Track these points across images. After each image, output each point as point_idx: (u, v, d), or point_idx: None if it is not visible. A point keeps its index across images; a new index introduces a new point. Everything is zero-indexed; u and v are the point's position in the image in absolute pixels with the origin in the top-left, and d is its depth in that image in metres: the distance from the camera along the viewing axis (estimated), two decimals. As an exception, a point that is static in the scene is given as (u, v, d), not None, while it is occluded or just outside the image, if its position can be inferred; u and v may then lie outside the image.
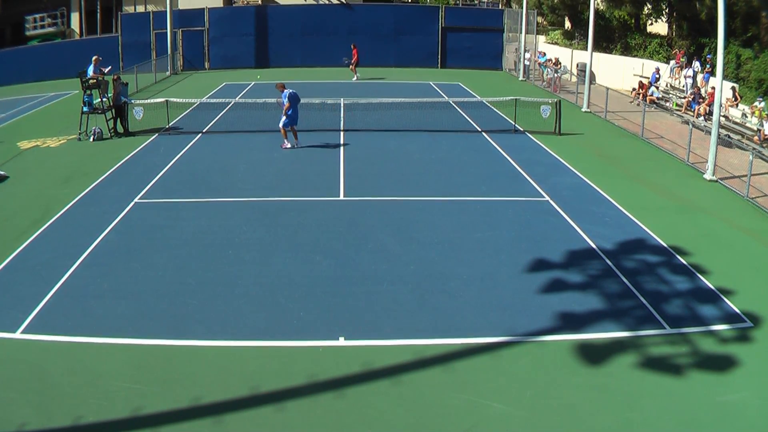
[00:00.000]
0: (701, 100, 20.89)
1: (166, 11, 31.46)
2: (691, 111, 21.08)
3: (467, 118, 20.36)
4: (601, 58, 27.81)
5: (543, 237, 10.92)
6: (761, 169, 15.01)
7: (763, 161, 15.67)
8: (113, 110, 18.54)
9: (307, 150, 16.54)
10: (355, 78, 28.79)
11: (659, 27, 32.52)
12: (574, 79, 27.99)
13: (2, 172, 14.48)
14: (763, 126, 17.66)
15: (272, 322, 8.15)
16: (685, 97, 22.29)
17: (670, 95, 23.94)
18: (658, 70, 25.33)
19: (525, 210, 12.28)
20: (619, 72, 28.07)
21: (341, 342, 7.70)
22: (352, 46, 29.33)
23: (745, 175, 13.67)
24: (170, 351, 7.50)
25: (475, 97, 24.05)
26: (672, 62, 25.66)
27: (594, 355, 7.46)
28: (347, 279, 9.33)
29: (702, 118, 19.66)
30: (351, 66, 29.11)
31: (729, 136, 17.46)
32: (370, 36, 33.98)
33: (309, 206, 12.37)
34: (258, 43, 31.18)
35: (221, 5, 35.80)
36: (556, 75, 27.23)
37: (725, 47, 15.01)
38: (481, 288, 9.07)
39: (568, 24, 35.90)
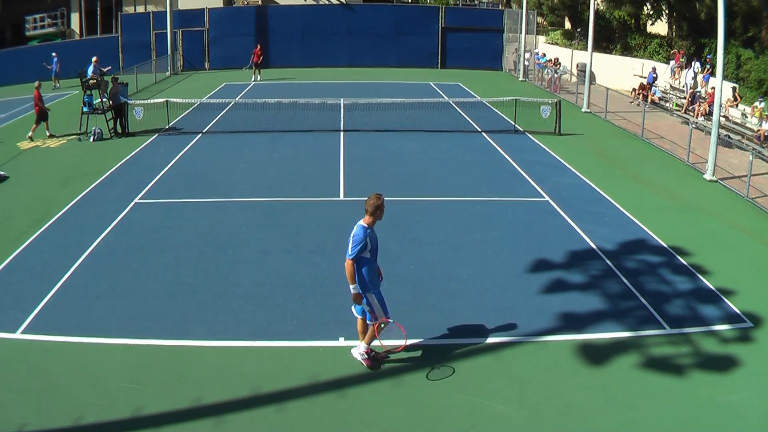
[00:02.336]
0: (701, 100, 20.88)
1: (166, 11, 31.48)
2: (691, 111, 21.08)
3: (467, 118, 20.37)
4: (601, 58, 27.82)
5: (543, 237, 10.92)
6: (761, 169, 15.01)
7: (763, 161, 15.68)
8: (113, 110, 18.55)
9: (307, 150, 16.55)
10: (256, 78, 28.82)
11: (659, 27, 32.52)
12: (574, 79, 28.00)
13: (2, 173, 14.48)
14: (762, 126, 17.66)
15: (272, 322, 8.14)
16: (685, 98, 22.29)
17: (670, 95, 23.95)
18: (654, 69, 25.33)
19: (525, 210, 12.28)
20: (619, 72, 28.08)
21: (341, 342, 7.69)
22: (258, 46, 29.57)
23: (745, 175, 13.67)
24: (170, 351, 7.49)
25: (475, 97, 24.07)
26: (672, 62, 25.66)
27: (594, 355, 7.46)
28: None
29: (702, 118, 19.66)
30: (252, 66, 29.15)
31: (729, 137, 17.46)
32: (370, 36, 34.04)
33: (309, 206, 12.37)
34: (258, 43, 31.16)
35: (221, 5, 35.83)
36: (555, 75, 27.23)
37: (725, 47, 15.01)
38: (481, 288, 9.06)
39: (568, 24, 35.91)
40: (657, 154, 16.86)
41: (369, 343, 7.09)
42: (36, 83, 18.60)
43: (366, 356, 7.11)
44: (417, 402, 6.60)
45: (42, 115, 18.09)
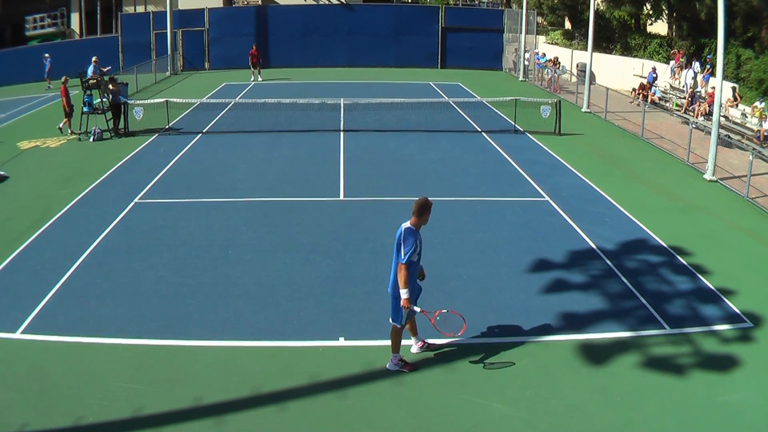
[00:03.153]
0: (701, 100, 20.88)
1: (166, 11, 31.49)
2: (691, 111, 21.09)
3: (467, 118, 20.36)
4: (601, 58, 27.82)
5: (543, 237, 10.92)
6: (761, 169, 15.01)
7: (763, 161, 15.67)
8: (112, 110, 18.56)
9: (307, 150, 16.55)
10: (256, 79, 28.80)
11: (659, 27, 32.53)
12: (574, 79, 28.00)
13: (2, 172, 14.48)
14: (762, 126, 17.66)
15: (272, 322, 8.14)
16: (684, 98, 22.30)
17: (670, 95, 23.95)
18: (654, 69, 25.34)
19: (525, 210, 12.28)
20: (619, 72, 28.08)
21: (341, 342, 7.69)
22: (253, 47, 29.57)
23: (745, 175, 13.67)
24: (170, 351, 7.49)
25: (475, 97, 24.07)
26: (672, 62, 25.67)
27: (594, 355, 7.46)
28: (347, 279, 9.33)
29: (702, 118, 19.66)
30: (251, 67, 29.15)
31: (729, 136, 17.46)
32: (370, 36, 34.03)
33: (309, 206, 12.37)
34: (258, 44, 31.24)
35: (221, 5, 35.83)
36: (555, 75, 27.23)
37: (725, 47, 15.00)
38: (481, 288, 9.07)
39: (568, 24, 35.91)
40: (657, 154, 16.85)
41: (397, 351, 7.06)
42: (63, 78, 18.75)
43: (402, 363, 7.08)
44: (417, 402, 6.60)
45: (68, 110, 18.30)
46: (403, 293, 6.57)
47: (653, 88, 24.24)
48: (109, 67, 23.86)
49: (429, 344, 7.44)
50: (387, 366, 7.10)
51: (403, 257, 6.52)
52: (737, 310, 8.48)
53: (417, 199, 6.83)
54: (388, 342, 7.17)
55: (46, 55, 28.22)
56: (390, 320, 6.98)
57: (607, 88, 22.49)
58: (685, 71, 23.50)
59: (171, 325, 8.04)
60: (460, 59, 33.99)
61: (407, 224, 6.73)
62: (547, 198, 12.87)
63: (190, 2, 33.03)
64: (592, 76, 23.91)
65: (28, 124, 20.60)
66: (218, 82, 28.62)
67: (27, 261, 9.89)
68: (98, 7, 35.88)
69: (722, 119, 17.65)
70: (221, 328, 7.96)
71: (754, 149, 15.26)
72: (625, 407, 6.54)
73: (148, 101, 19.79)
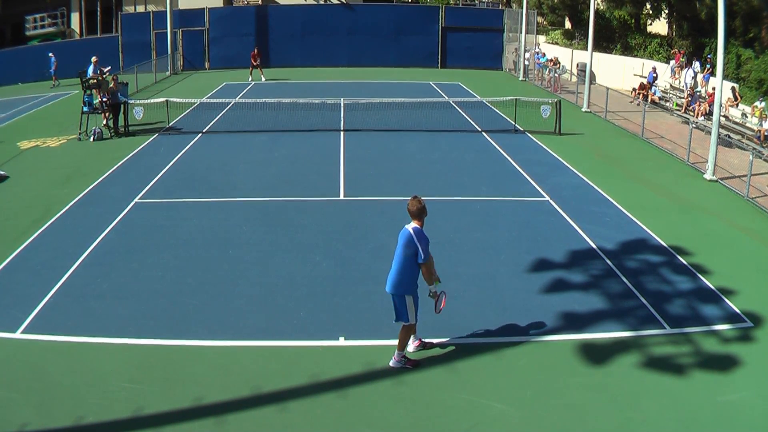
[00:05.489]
0: (701, 100, 20.88)
1: (166, 11, 31.49)
2: (691, 111, 21.08)
3: (467, 118, 20.37)
4: (601, 58, 27.82)
5: (543, 237, 10.92)
6: (761, 169, 15.00)
7: (763, 161, 15.67)
8: (111, 109, 18.56)
9: (307, 150, 16.55)
10: (259, 79, 28.69)
11: (659, 27, 32.53)
12: (574, 79, 28.00)
13: (2, 172, 14.48)
14: (762, 126, 17.66)
15: (272, 322, 8.14)
16: (684, 97, 22.30)
17: (670, 95, 23.95)
18: (654, 69, 25.34)
19: (525, 210, 12.28)
20: (619, 72, 28.08)
21: (341, 342, 7.69)
22: (255, 49, 29.40)
23: (745, 175, 13.67)
24: (170, 351, 7.49)
25: (475, 97, 24.06)
26: (672, 62, 25.67)
27: (594, 355, 7.46)
28: (347, 279, 9.33)
29: (702, 118, 19.65)
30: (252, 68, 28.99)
31: (729, 136, 17.46)
32: (370, 36, 34.04)
33: (309, 206, 12.37)
34: (258, 43, 31.25)
35: (221, 5, 35.84)
36: (556, 75, 27.23)
37: (725, 47, 15.00)
38: (481, 288, 9.07)
39: (568, 24, 35.91)
40: (657, 154, 16.85)
41: (403, 349, 7.12)
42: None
43: (404, 360, 7.12)
44: (417, 402, 6.60)
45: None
46: (432, 287, 6.96)
47: (653, 87, 24.25)
48: (110, 67, 23.82)
49: (425, 342, 7.48)
50: (390, 363, 7.12)
51: (424, 256, 6.78)
52: (737, 310, 8.49)
53: (414, 202, 7.01)
54: (389, 342, 7.18)
55: (50, 54, 28.35)
56: (395, 322, 7.03)
57: (607, 88, 22.48)
58: (685, 71, 23.47)
59: (171, 325, 8.04)
60: (460, 59, 33.99)
61: (414, 226, 6.91)
62: (547, 198, 12.87)
63: (190, 2, 33.04)
64: (592, 76, 23.91)
65: (28, 124, 20.60)
66: (218, 82, 28.62)
67: (27, 261, 9.89)
68: (98, 7, 35.90)
69: (722, 119, 17.65)
70: (221, 328, 7.96)
71: (754, 149, 15.25)
72: (624, 407, 6.54)
73: (148, 101, 19.80)
